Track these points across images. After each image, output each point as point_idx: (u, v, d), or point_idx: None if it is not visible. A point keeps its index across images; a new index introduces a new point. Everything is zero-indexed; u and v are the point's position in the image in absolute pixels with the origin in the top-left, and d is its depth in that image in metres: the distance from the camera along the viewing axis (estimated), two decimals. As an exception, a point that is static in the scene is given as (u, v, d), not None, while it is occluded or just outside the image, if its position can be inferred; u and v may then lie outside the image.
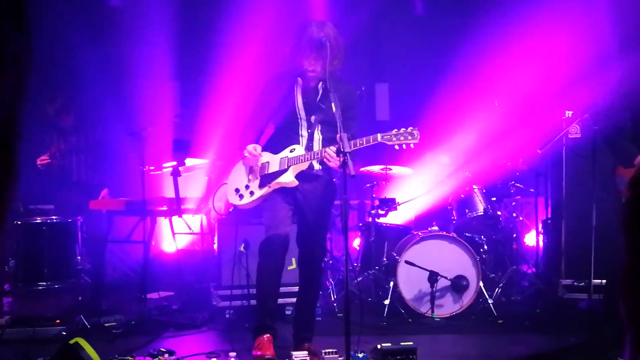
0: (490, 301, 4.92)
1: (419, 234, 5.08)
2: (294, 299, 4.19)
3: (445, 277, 4.85)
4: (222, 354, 3.92)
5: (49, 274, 4.53)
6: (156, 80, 6.42)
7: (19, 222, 4.55)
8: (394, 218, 5.53)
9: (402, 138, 3.60)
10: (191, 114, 6.08)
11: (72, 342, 3.37)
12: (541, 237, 5.63)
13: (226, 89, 5.79)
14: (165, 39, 6.40)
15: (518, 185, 5.55)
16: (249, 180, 3.91)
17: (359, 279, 5.15)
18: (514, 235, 5.54)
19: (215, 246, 5.12)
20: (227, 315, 4.80)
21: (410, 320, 4.85)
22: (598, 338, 4.01)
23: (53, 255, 4.57)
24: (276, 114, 3.88)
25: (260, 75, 4.16)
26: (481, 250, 5.22)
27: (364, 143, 3.58)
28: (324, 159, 3.64)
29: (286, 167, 3.79)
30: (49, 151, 5.24)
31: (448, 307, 4.92)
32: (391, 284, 4.93)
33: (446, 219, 5.46)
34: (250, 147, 3.83)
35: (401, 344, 3.77)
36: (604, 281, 4.47)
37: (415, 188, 5.60)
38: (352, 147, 3.44)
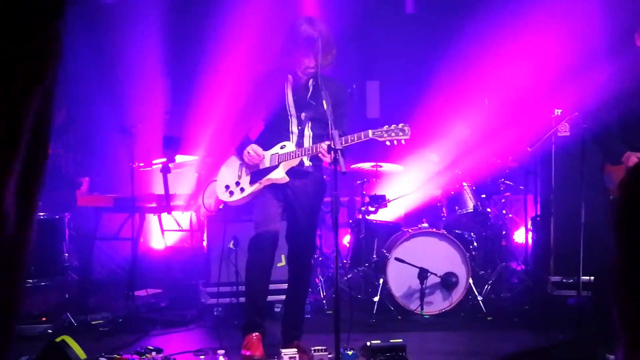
0: (479, 298, 4.92)
1: (409, 230, 5.08)
2: (283, 296, 4.17)
3: (435, 274, 4.85)
4: (210, 351, 3.90)
5: (35, 271, 4.48)
6: (147, 77, 6.37)
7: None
8: (384, 215, 5.52)
9: (393, 134, 3.61)
10: (181, 110, 6.05)
11: (58, 339, 3.34)
12: (530, 234, 5.65)
13: (217, 86, 5.76)
14: (156, 36, 6.35)
15: (508, 182, 5.56)
16: (239, 177, 3.89)
17: (348, 276, 5.15)
18: (504, 232, 5.55)
19: (204, 243, 5.09)
20: (216, 313, 4.78)
21: (399, 317, 4.85)
22: (586, 335, 4.02)
23: (40, 252, 4.52)
24: (266, 110, 3.86)
25: (251, 72, 4.14)
26: (471, 247, 5.23)
27: (355, 139, 3.58)
28: (319, 154, 3.62)
29: (277, 163, 3.77)
30: None
31: (438, 304, 4.93)
32: (381, 281, 4.93)
33: (436, 216, 5.46)
34: (251, 149, 3.80)
35: (390, 341, 3.77)
36: (592, 278, 4.49)
37: (406, 185, 5.60)
38: (343, 143, 3.44)
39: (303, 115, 3.80)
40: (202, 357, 3.84)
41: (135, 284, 4.91)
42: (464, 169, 5.42)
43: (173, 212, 5.25)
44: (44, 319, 4.36)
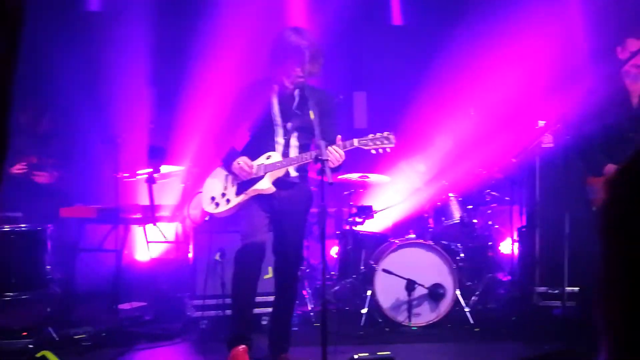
0: (466, 309, 4.92)
1: (396, 241, 5.07)
2: (270, 309, 4.13)
3: (422, 286, 4.84)
4: (196, 366, 3.84)
5: (16, 284, 4.39)
6: (132, 86, 6.32)
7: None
8: (372, 226, 5.52)
9: (378, 142, 3.61)
10: (167, 120, 6.00)
11: (38, 355, 3.27)
12: (516, 245, 5.66)
13: (203, 96, 5.73)
14: (141, 45, 6.31)
15: (493, 193, 5.59)
16: (225, 188, 3.86)
17: (336, 288, 5.11)
18: (490, 243, 5.57)
19: (190, 255, 5.04)
20: (202, 326, 4.71)
21: (387, 329, 4.83)
22: (572, 345, 4.04)
23: (21, 264, 4.43)
24: (252, 121, 3.84)
25: (237, 82, 4.12)
26: (457, 258, 5.23)
27: (341, 148, 3.57)
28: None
29: (262, 174, 3.75)
30: (25, 160, 5.11)
31: (425, 315, 4.92)
32: (369, 292, 4.90)
33: (423, 227, 5.47)
34: (242, 161, 3.76)
35: (378, 353, 3.75)
36: (577, 289, 4.51)
37: (393, 196, 5.60)
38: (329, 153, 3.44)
39: (289, 125, 3.78)
40: (188, 371, 3.78)
41: (119, 296, 4.83)
42: (450, 180, 5.44)
43: (158, 223, 5.19)
44: (25, 333, 4.26)
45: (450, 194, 5.37)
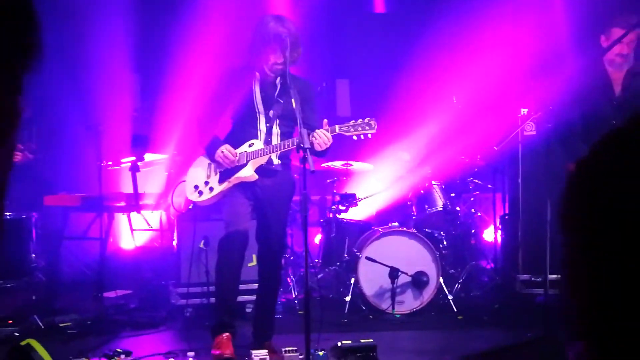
0: (450, 297, 4.97)
1: (380, 229, 5.10)
2: (254, 296, 4.16)
3: (406, 273, 4.88)
4: (180, 353, 3.86)
5: (1, 271, 4.40)
6: (114, 74, 6.28)
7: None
8: (355, 214, 5.54)
9: (359, 129, 3.63)
10: (150, 108, 5.98)
11: (23, 343, 3.28)
12: (499, 232, 5.72)
13: (186, 84, 5.71)
14: (123, 32, 6.27)
15: (476, 181, 5.62)
16: (208, 177, 3.87)
17: (319, 276, 5.15)
18: (473, 230, 5.61)
19: (174, 243, 5.05)
20: (187, 314, 4.74)
21: (371, 316, 4.87)
22: (554, 332, 4.09)
23: (6, 252, 4.43)
24: (234, 108, 3.85)
25: (219, 70, 4.11)
26: (441, 246, 5.27)
27: (329, 132, 3.59)
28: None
29: (245, 161, 3.76)
30: None
31: (409, 303, 4.96)
32: (352, 280, 4.94)
33: (406, 215, 5.50)
34: (225, 149, 3.76)
35: (361, 341, 3.78)
36: (559, 276, 4.56)
37: (376, 184, 5.63)
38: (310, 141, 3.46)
39: (271, 112, 3.79)
40: (172, 359, 3.80)
41: (104, 284, 4.84)
42: (433, 168, 5.47)
43: (142, 211, 5.19)
44: (11, 321, 4.28)
45: (433, 182, 5.41)
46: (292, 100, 3.49)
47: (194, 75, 5.47)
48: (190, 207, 4.63)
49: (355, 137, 3.66)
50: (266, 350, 3.68)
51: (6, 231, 4.45)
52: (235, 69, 3.93)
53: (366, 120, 3.66)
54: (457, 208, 5.47)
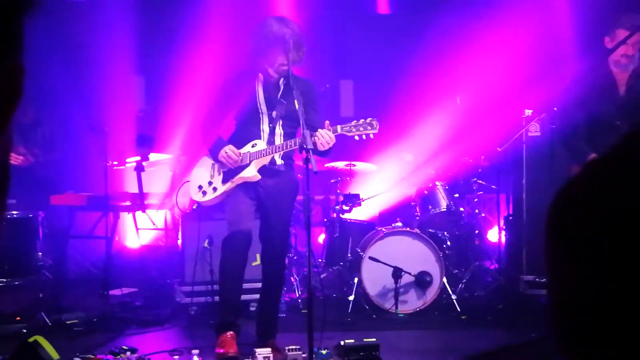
0: (453, 297, 4.97)
1: (383, 230, 5.12)
2: (258, 295, 4.19)
3: (409, 273, 4.90)
4: (185, 351, 3.90)
5: (9, 270, 4.45)
6: (119, 75, 6.33)
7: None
8: (359, 214, 5.56)
9: (361, 129, 3.66)
10: (155, 108, 6.02)
11: (31, 340, 3.32)
12: (503, 233, 5.72)
13: (190, 84, 5.75)
14: (128, 33, 6.31)
15: (480, 182, 5.63)
16: (212, 177, 3.90)
17: (323, 275, 5.17)
18: (477, 231, 5.61)
19: (179, 242, 5.09)
20: (191, 312, 4.78)
21: (374, 316, 4.89)
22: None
23: (13, 251, 4.49)
24: (238, 109, 3.88)
25: (224, 70, 4.15)
26: (444, 246, 5.28)
27: (332, 132, 3.62)
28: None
29: (248, 161, 3.79)
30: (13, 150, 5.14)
31: (412, 303, 4.98)
32: (355, 280, 4.96)
33: (410, 215, 5.51)
34: (229, 149, 3.79)
35: (364, 340, 3.80)
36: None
37: (379, 184, 5.64)
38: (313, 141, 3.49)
39: (274, 113, 3.82)
40: (177, 357, 3.84)
41: (110, 283, 4.89)
42: (437, 168, 5.48)
43: (147, 211, 5.23)
44: (18, 318, 4.33)
45: (437, 183, 5.41)
46: (295, 101, 3.52)
47: (198, 76, 5.51)
48: (194, 207, 4.67)
49: (357, 137, 3.69)
50: (270, 349, 3.70)
51: (13, 230, 4.50)
52: (239, 71, 3.96)
53: (368, 120, 3.69)
54: (461, 209, 5.48)
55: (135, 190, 5.02)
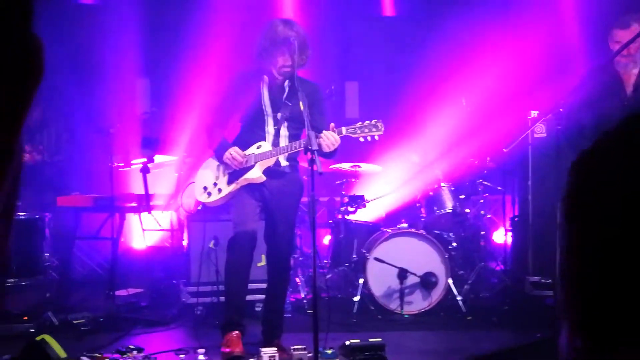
0: (459, 298, 4.97)
1: (388, 231, 5.12)
2: (264, 296, 4.20)
3: (415, 274, 4.90)
4: (191, 350, 3.92)
5: (16, 270, 4.48)
6: (125, 77, 6.37)
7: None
8: (364, 215, 5.57)
9: (366, 130, 3.67)
10: (160, 110, 6.05)
11: (38, 339, 3.35)
12: (509, 234, 5.71)
13: (195, 87, 5.78)
14: (134, 36, 6.36)
15: (486, 183, 5.62)
16: (217, 178, 3.92)
17: (328, 276, 5.18)
18: (482, 232, 5.60)
19: (184, 243, 5.11)
20: (197, 312, 4.79)
21: (379, 316, 4.89)
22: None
23: (20, 251, 4.52)
24: (243, 111, 3.90)
25: (229, 72, 4.18)
26: (450, 247, 5.28)
27: (336, 133, 3.63)
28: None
29: (253, 163, 3.81)
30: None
31: (417, 303, 4.98)
32: (361, 280, 4.97)
33: (415, 216, 5.51)
34: (234, 151, 3.81)
35: (369, 340, 3.81)
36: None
37: (385, 185, 5.65)
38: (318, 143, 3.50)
39: (279, 115, 3.84)
40: (183, 356, 3.85)
41: (116, 283, 4.91)
42: (442, 170, 5.48)
43: (153, 212, 5.26)
44: (26, 318, 4.35)
45: (443, 184, 5.41)
46: (300, 102, 3.53)
47: (203, 79, 5.54)
48: (199, 207, 4.69)
49: (362, 139, 3.70)
50: (275, 349, 3.71)
51: (20, 231, 4.54)
52: (244, 72, 3.98)
53: (373, 122, 3.70)
54: (467, 210, 5.47)
55: (141, 191, 5.04)
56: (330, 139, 3.60)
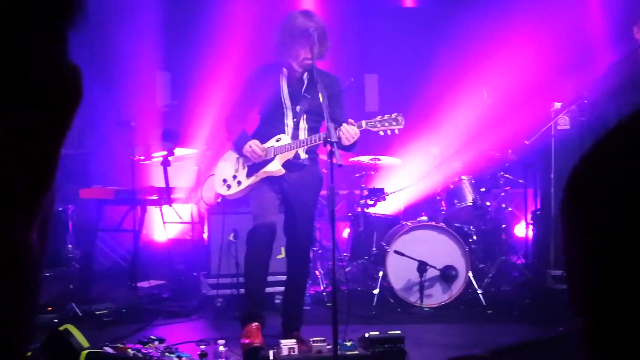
0: (479, 291, 4.94)
1: (408, 224, 5.10)
2: (283, 288, 4.21)
3: (434, 267, 4.88)
4: (211, 341, 3.94)
5: (39, 262, 4.54)
6: (145, 70, 6.42)
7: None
8: (383, 208, 5.55)
9: (386, 124, 3.65)
10: (181, 103, 6.09)
11: (61, 328, 3.40)
12: (531, 227, 5.66)
13: (215, 79, 5.80)
14: (155, 29, 6.39)
15: (507, 176, 5.57)
16: (236, 170, 3.93)
17: (348, 269, 5.18)
18: (503, 225, 5.56)
19: (205, 235, 5.14)
20: (217, 304, 4.83)
21: (399, 309, 4.88)
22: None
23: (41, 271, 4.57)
24: (262, 104, 3.90)
25: (248, 65, 4.18)
26: (470, 240, 5.25)
27: (356, 127, 3.62)
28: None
29: (272, 156, 3.81)
30: None
31: (437, 296, 4.96)
32: (380, 273, 4.96)
33: (435, 209, 5.48)
34: (254, 144, 3.82)
35: (389, 332, 3.80)
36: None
37: (404, 178, 5.62)
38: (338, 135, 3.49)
39: (298, 108, 3.84)
40: (203, 346, 3.88)
41: (138, 275, 4.97)
42: (463, 162, 5.44)
43: (174, 205, 5.30)
44: (50, 308, 4.42)
45: (463, 177, 5.38)
46: (320, 94, 3.52)
47: (223, 71, 5.56)
48: (218, 200, 4.71)
49: (382, 133, 3.68)
50: (294, 340, 3.72)
51: (44, 223, 4.60)
52: (263, 65, 3.98)
53: (393, 115, 3.67)
54: (487, 203, 5.43)
55: (162, 184, 5.08)
56: (350, 132, 3.59)
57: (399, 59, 7.11)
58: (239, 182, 3.90)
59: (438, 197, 5.52)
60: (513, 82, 5.60)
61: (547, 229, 5.25)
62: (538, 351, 4.05)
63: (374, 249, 5.27)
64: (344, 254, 5.47)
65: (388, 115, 3.67)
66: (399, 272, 4.95)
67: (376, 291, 4.90)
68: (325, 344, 3.67)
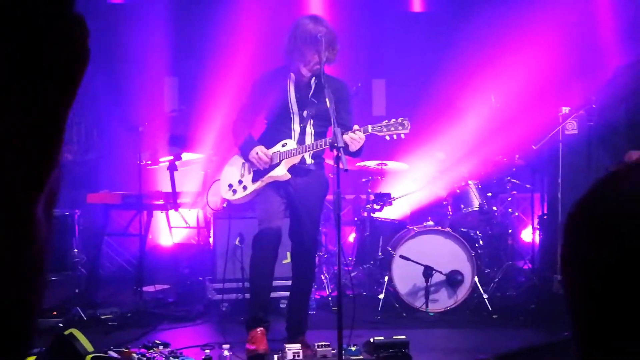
0: (485, 296, 4.92)
1: (414, 228, 5.09)
2: (288, 293, 4.21)
3: (440, 272, 4.86)
4: (216, 346, 3.95)
5: (46, 266, 4.55)
6: (153, 75, 6.45)
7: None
8: (389, 213, 5.54)
9: (392, 129, 3.64)
10: (188, 109, 6.11)
11: (66, 332, 3.40)
12: (537, 232, 5.63)
13: (222, 85, 5.82)
14: (162, 34, 6.42)
15: (514, 181, 5.55)
16: (242, 175, 3.94)
17: (353, 274, 5.17)
18: (510, 230, 5.54)
19: (211, 240, 5.15)
20: (222, 308, 4.83)
21: (404, 314, 4.87)
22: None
23: (50, 247, 4.59)
24: (269, 109, 3.91)
25: (256, 70, 4.19)
26: (476, 245, 5.23)
27: (361, 132, 3.62)
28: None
29: (278, 161, 3.82)
30: None
31: (443, 301, 4.94)
32: (386, 278, 4.95)
33: (441, 214, 5.47)
34: (260, 150, 3.82)
35: (394, 337, 3.79)
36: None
37: (411, 183, 5.61)
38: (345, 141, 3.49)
39: (305, 113, 3.84)
40: (208, 351, 3.88)
41: (144, 279, 4.98)
42: (469, 167, 5.43)
43: (180, 209, 5.31)
44: (55, 312, 4.43)
45: (470, 182, 5.36)
46: (327, 99, 3.52)
47: (231, 77, 5.57)
48: (224, 205, 4.72)
49: (388, 137, 3.67)
50: (299, 345, 3.72)
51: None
52: (271, 70, 3.99)
53: (399, 120, 3.66)
54: (494, 208, 5.41)
55: (169, 189, 5.10)
56: (355, 137, 3.59)
57: (407, 64, 7.10)
58: (245, 187, 3.91)
59: (444, 202, 5.50)
60: (521, 86, 5.58)
61: (554, 234, 5.22)
62: (544, 356, 4.03)
63: (380, 253, 5.26)
64: (350, 259, 5.46)
65: (394, 120, 3.67)
66: (404, 276, 4.93)
67: (382, 296, 4.89)
68: (330, 348, 3.67)
